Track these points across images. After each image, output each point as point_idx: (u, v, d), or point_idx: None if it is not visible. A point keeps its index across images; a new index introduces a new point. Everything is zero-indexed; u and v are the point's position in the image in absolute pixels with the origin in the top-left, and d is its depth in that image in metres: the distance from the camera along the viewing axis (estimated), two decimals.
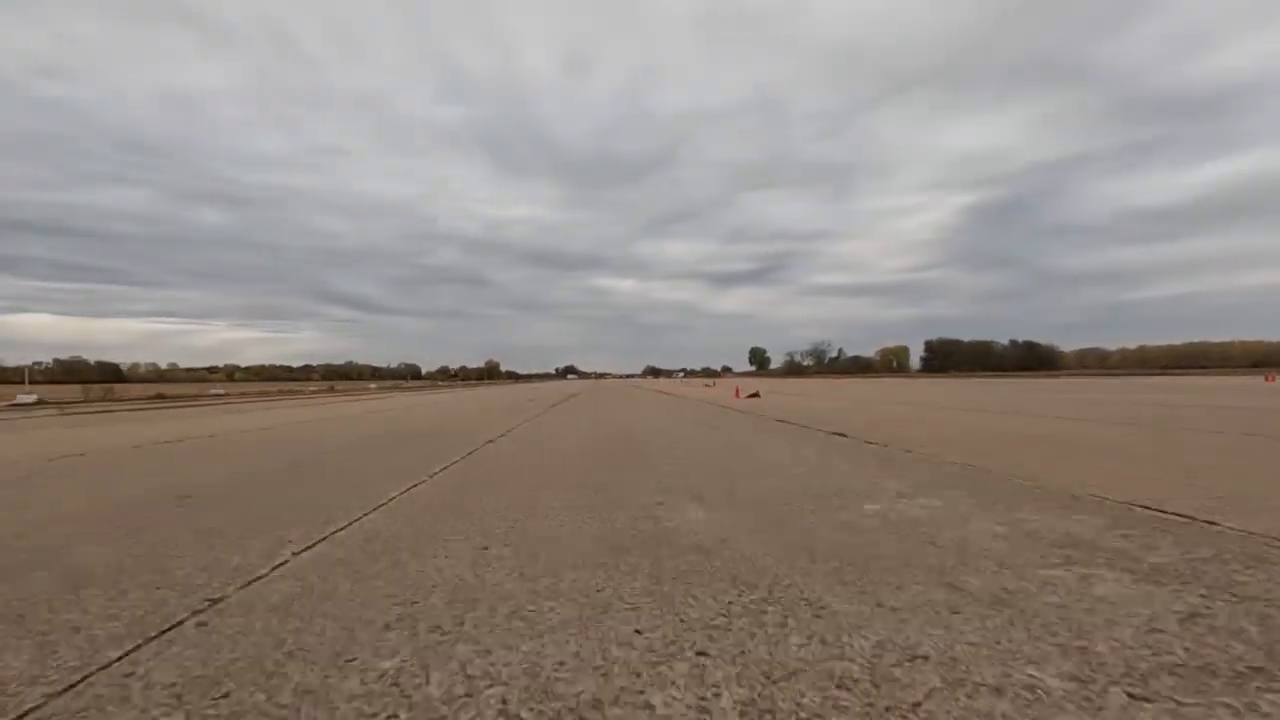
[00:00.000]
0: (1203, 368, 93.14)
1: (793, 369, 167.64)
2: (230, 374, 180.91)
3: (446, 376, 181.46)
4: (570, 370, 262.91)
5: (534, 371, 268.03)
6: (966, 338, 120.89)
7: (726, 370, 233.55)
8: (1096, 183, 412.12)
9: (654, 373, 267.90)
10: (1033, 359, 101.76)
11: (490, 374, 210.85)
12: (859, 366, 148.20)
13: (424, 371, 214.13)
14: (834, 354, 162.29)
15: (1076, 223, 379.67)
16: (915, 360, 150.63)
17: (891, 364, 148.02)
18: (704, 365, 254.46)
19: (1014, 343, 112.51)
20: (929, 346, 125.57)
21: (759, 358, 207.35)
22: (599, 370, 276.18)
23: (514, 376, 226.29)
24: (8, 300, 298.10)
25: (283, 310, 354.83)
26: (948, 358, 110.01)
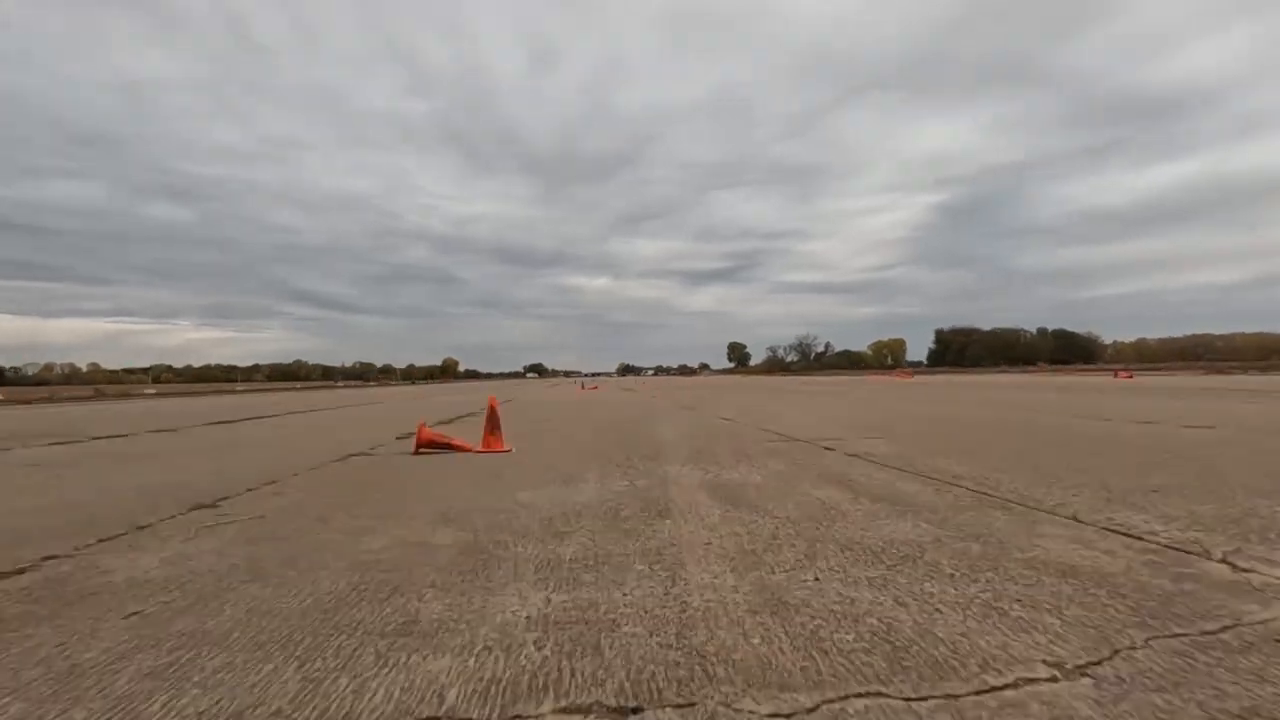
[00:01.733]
0: (1211, 360, 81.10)
1: (775, 365, 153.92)
2: (157, 376, 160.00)
3: (388, 375, 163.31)
4: (535, 369, 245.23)
5: (503, 370, 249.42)
6: (938, 329, 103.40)
7: (704, 367, 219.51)
8: (1057, 184, 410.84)
9: (627, 370, 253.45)
10: (1068, 350, 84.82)
11: (445, 372, 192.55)
12: (849, 362, 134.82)
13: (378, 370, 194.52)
14: (821, 348, 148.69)
15: (1038, 222, 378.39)
16: (918, 354, 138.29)
17: (886, 359, 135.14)
18: (680, 363, 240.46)
19: (1043, 332, 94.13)
20: (940, 337, 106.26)
21: (738, 353, 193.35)
22: (566, 369, 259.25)
23: (474, 375, 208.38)
24: None
25: (248, 309, 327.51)
26: (962, 351, 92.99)
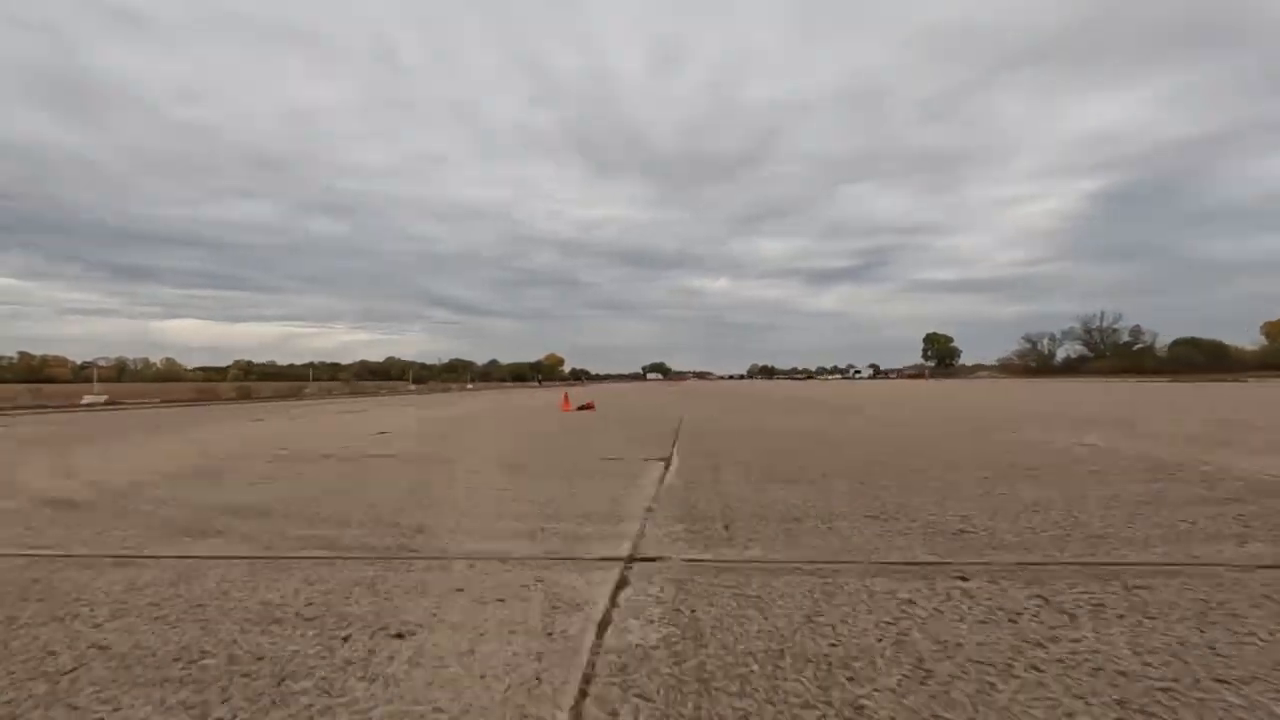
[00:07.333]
0: None
1: (1032, 363, 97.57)
2: (237, 375, 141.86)
3: (463, 377, 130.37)
4: (657, 368, 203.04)
5: (621, 371, 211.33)
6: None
7: (849, 370, 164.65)
8: (1256, 158, 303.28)
9: (761, 372, 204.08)
10: None
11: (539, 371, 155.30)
12: (1207, 356, 76.21)
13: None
14: (1128, 337, 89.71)
15: (1228, 205, 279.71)
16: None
17: None
18: (819, 365, 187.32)
19: None
20: None
21: (941, 346, 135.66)
22: (696, 369, 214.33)
23: (581, 377, 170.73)
24: (163, 307, 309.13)
25: (392, 313, 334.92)
26: None
